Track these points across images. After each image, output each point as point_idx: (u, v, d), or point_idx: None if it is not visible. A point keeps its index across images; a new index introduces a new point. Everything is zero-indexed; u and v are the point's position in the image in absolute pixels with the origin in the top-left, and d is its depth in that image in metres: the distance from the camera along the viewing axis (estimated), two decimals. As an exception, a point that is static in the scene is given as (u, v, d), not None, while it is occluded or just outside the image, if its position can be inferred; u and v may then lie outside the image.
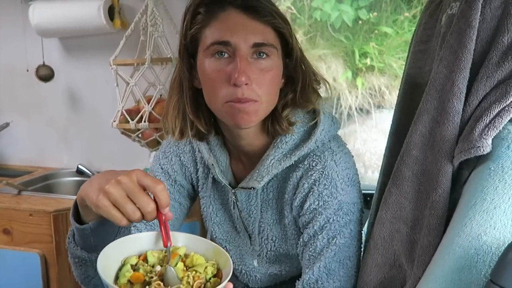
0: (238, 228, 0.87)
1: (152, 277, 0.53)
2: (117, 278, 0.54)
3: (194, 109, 0.78)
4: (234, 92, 0.69)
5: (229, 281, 0.54)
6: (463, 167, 0.64)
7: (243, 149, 0.80)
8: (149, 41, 1.24)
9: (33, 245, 1.32)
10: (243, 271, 0.89)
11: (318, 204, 0.74)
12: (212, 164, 0.81)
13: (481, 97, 0.62)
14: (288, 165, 0.76)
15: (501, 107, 0.59)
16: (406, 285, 0.69)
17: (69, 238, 0.71)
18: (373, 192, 0.89)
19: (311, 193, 0.75)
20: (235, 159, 0.84)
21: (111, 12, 1.47)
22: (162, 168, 0.87)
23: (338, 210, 0.74)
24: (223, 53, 0.70)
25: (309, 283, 0.74)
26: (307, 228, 0.76)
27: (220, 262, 0.56)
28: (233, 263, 0.87)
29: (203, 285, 0.53)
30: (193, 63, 0.76)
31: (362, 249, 0.80)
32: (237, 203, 0.83)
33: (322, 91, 0.82)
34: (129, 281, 0.53)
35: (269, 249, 0.84)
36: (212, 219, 0.88)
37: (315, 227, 0.75)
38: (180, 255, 0.56)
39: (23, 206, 1.34)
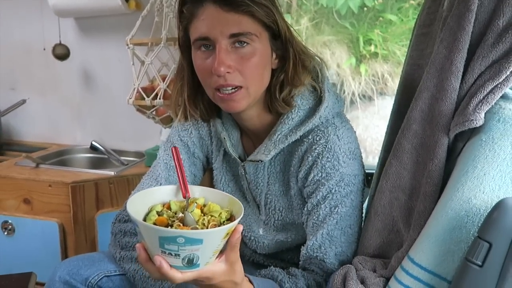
0: (248, 198, 0.93)
1: (174, 221, 0.61)
2: (144, 221, 0.62)
3: (193, 96, 0.85)
4: (218, 80, 0.74)
5: (239, 255, 0.62)
6: (458, 139, 0.69)
7: (249, 128, 0.86)
8: (165, 21, 1.29)
9: (52, 214, 1.39)
10: (252, 238, 0.94)
11: (321, 175, 0.79)
12: (224, 138, 0.87)
13: (476, 76, 0.67)
14: (293, 140, 0.81)
15: (494, 84, 0.65)
16: (403, 246, 0.75)
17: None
18: (373, 171, 0.94)
19: (314, 165, 0.80)
20: (245, 135, 0.90)
21: (126, -6, 1.52)
22: (181, 140, 0.93)
23: (339, 181, 0.79)
24: (208, 46, 0.75)
25: (313, 249, 0.80)
26: (310, 198, 0.81)
27: (234, 210, 0.64)
28: (243, 230, 0.94)
29: (217, 226, 0.61)
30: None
31: (363, 218, 0.86)
32: (246, 175, 0.88)
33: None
34: (154, 223, 0.61)
35: (276, 218, 0.90)
36: (224, 189, 0.95)
37: (318, 197, 0.80)
38: (196, 203, 0.64)
39: (43, 178, 1.40)
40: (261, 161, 0.83)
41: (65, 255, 1.40)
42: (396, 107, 0.92)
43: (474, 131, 0.67)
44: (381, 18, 1.87)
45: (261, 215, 0.92)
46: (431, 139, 0.71)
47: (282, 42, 0.79)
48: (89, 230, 1.41)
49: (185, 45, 0.82)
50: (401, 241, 0.78)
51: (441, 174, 0.70)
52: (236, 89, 0.76)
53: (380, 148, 0.96)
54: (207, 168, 0.99)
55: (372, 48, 1.90)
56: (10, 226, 1.43)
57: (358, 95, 1.94)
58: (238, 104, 0.77)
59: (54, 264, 1.38)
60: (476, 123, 0.65)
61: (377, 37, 1.88)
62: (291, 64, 0.80)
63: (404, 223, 0.77)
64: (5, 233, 1.44)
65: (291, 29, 0.81)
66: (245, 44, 0.75)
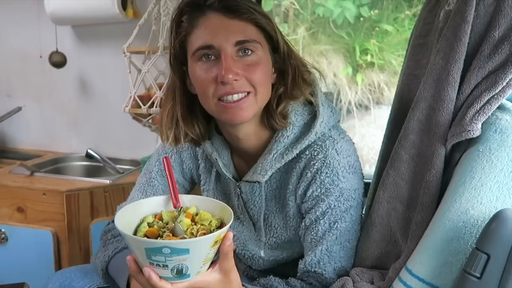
0: (241, 218, 0.90)
1: (164, 232, 0.60)
2: (135, 233, 0.62)
3: (187, 116, 0.81)
4: (224, 88, 0.72)
5: (234, 262, 0.61)
6: (455, 149, 0.69)
7: (242, 147, 0.83)
8: (162, 30, 1.29)
9: (46, 223, 1.38)
10: (246, 256, 0.93)
11: (321, 191, 0.77)
12: (216, 159, 0.83)
13: (473, 86, 0.68)
14: (290, 158, 0.79)
15: (491, 95, 0.65)
16: (401, 257, 0.74)
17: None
18: (370, 181, 0.94)
19: (313, 181, 0.78)
20: (236, 154, 0.87)
21: (123, 2, 1.52)
22: (160, 164, 0.91)
23: (339, 196, 0.78)
24: (210, 56, 0.73)
25: (311, 264, 0.78)
26: (309, 213, 0.79)
27: (225, 217, 0.63)
28: (237, 247, 0.93)
29: (206, 235, 0.60)
30: (186, 70, 0.79)
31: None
32: (242, 194, 0.86)
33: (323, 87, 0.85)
34: (145, 235, 0.61)
35: (271, 235, 0.88)
36: None
37: (317, 213, 0.78)
38: (184, 213, 0.64)
39: (37, 186, 1.39)
40: (258, 182, 0.80)
41: (58, 264, 1.39)
42: (392, 117, 0.92)
43: (471, 142, 0.67)
44: (377, 28, 1.89)
45: (257, 233, 0.89)
46: (429, 149, 0.71)
47: (280, 55, 0.78)
48: (84, 239, 1.40)
49: (177, 62, 0.79)
50: (399, 252, 0.77)
51: (438, 185, 0.70)
52: (243, 95, 0.73)
53: (376, 157, 0.96)
54: (190, 191, 0.97)
55: (369, 57, 1.91)
56: (3, 235, 1.41)
57: (355, 104, 1.95)
58: (245, 113, 0.74)
59: (47, 274, 1.36)
60: (473, 133, 0.65)
61: (373, 47, 1.90)
62: (291, 77, 0.78)
63: (401, 234, 0.76)
64: (-2, 241, 1.42)
65: (288, 42, 0.80)
66: (249, 52, 0.73)
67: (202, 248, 0.56)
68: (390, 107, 0.93)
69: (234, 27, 0.72)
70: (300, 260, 0.81)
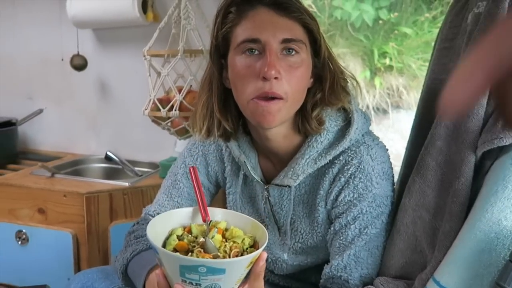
0: (266, 221, 0.88)
1: (194, 246, 0.59)
2: (164, 245, 0.61)
3: (222, 108, 0.80)
4: (262, 86, 0.70)
5: (263, 283, 0.60)
6: (486, 157, 0.67)
7: (272, 150, 0.82)
8: (182, 33, 1.29)
9: (66, 224, 1.39)
10: (269, 260, 0.91)
11: (353, 196, 0.77)
12: (244, 162, 0.82)
13: (505, 92, 0.66)
14: (323, 164, 0.78)
15: (524, 101, 0.63)
16: (427, 268, 0.72)
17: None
18: None
19: (346, 185, 0.77)
20: (263, 157, 0.86)
21: (144, 6, 1.53)
22: (186, 166, 0.90)
23: (371, 202, 0.77)
24: (253, 50, 0.72)
25: (338, 269, 0.77)
26: (339, 218, 0.78)
27: (258, 235, 0.61)
28: None
29: (240, 254, 0.59)
30: (224, 64, 0.78)
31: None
32: (269, 198, 0.84)
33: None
34: (174, 248, 0.59)
35: (297, 240, 0.86)
36: (241, 212, 0.90)
37: (348, 218, 0.77)
38: (217, 228, 0.62)
39: (58, 188, 1.40)
40: (289, 186, 0.79)
41: (78, 266, 1.40)
42: (417, 122, 0.90)
43: (503, 150, 0.65)
44: (396, 31, 1.86)
45: (282, 237, 0.88)
46: (457, 157, 0.69)
47: (320, 60, 0.77)
48: (103, 241, 1.41)
49: (217, 54, 0.78)
50: (424, 262, 0.75)
51: (468, 193, 0.68)
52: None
53: (395, 161, 0.94)
54: (214, 194, 0.96)
55: (387, 61, 1.89)
56: (24, 236, 1.43)
57: (373, 108, 1.93)
58: (273, 117, 0.71)
59: (67, 276, 1.38)
60: (506, 141, 0.63)
61: (392, 50, 1.87)
62: (329, 84, 0.77)
63: (428, 243, 0.74)
64: (19, 242, 1.44)
65: (329, 47, 0.79)
66: (294, 52, 0.72)
67: (238, 268, 0.55)
68: (408, 111, 0.91)
69: (283, 24, 0.72)
70: (326, 265, 0.80)
